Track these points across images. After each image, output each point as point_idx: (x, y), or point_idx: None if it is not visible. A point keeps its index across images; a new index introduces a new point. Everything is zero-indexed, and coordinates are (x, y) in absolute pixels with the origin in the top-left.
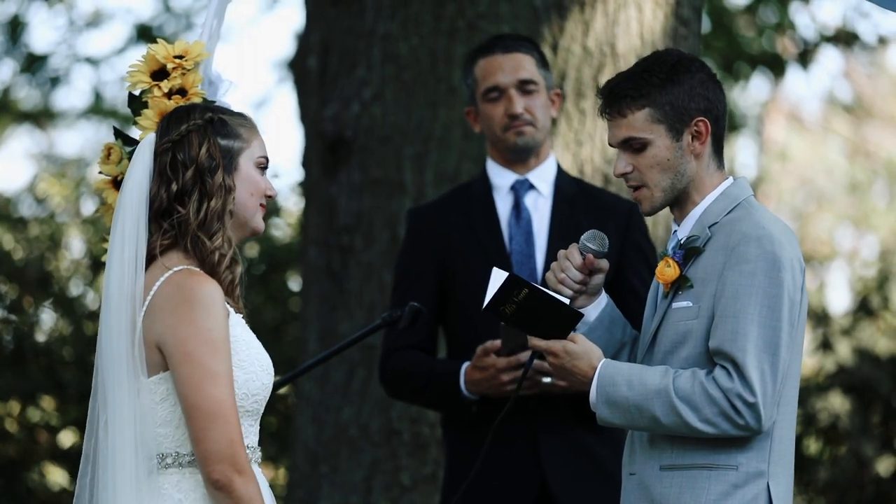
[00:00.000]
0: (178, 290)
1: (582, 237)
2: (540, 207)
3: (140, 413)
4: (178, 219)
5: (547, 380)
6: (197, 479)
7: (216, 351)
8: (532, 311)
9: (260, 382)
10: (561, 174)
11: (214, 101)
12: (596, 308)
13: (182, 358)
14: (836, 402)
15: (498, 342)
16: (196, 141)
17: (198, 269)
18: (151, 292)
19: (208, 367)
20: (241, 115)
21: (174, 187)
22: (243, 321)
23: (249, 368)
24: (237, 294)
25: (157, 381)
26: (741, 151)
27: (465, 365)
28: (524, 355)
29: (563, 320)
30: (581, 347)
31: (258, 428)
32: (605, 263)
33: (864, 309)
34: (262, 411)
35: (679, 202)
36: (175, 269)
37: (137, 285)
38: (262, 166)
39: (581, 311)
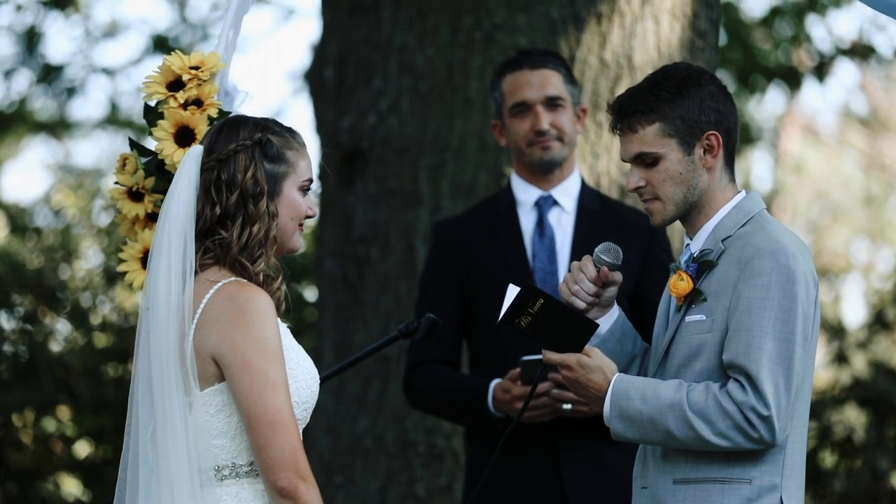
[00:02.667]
0: (232, 301)
1: (596, 249)
2: (563, 224)
3: (193, 426)
4: (221, 241)
5: (567, 406)
6: (255, 489)
7: (274, 360)
8: (547, 323)
9: (309, 391)
10: (585, 189)
11: (230, 112)
12: (608, 320)
13: (242, 367)
14: (852, 416)
15: (518, 370)
16: (243, 164)
17: (247, 281)
18: (202, 305)
19: (268, 375)
20: (290, 133)
21: (217, 209)
22: (289, 332)
23: (300, 377)
24: (282, 309)
25: (211, 393)
26: (757, 164)
27: (495, 382)
28: (542, 387)
29: (579, 332)
30: (595, 361)
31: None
32: (618, 276)
33: (879, 322)
34: (308, 419)
35: (691, 215)
36: (224, 280)
37: (186, 298)
38: (306, 188)
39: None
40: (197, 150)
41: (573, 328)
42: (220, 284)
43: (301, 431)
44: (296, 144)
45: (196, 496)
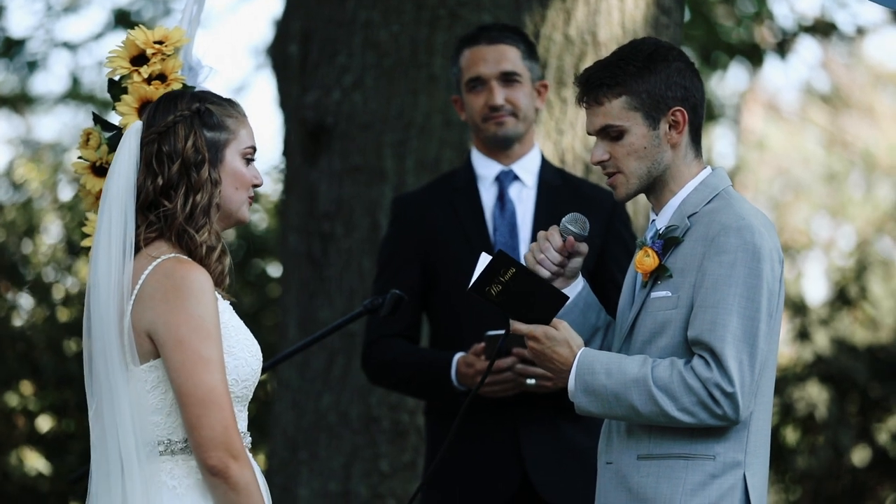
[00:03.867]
0: (168, 278)
1: (563, 219)
2: (524, 199)
3: (132, 401)
4: (165, 212)
5: (531, 381)
6: (189, 466)
7: (208, 337)
8: (517, 293)
9: (250, 368)
10: (545, 165)
11: (194, 87)
12: (572, 291)
13: (174, 345)
14: (814, 392)
15: (483, 345)
16: (182, 133)
17: (186, 258)
18: (140, 281)
19: (201, 353)
20: (229, 103)
21: (160, 181)
22: (231, 308)
23: (239, 354)
24: (226, 284)
25: (147, 369)
26: (719, 141)
27: (458, 356)
28: (505, 362)
29: (548, 303)
30: (562, 334)
31: (247, 413)
32: (584, 247)
33: (841, 299)
34: (250, 396)
35: (656, 191)
36: (163, 257)
37: (126, 274)
38: (249, 157)
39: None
40: (136, 125)
41: (543, 299)
42: (158, 261)
43: (246, 409)
44: (235, 112)
45: (143, 469)
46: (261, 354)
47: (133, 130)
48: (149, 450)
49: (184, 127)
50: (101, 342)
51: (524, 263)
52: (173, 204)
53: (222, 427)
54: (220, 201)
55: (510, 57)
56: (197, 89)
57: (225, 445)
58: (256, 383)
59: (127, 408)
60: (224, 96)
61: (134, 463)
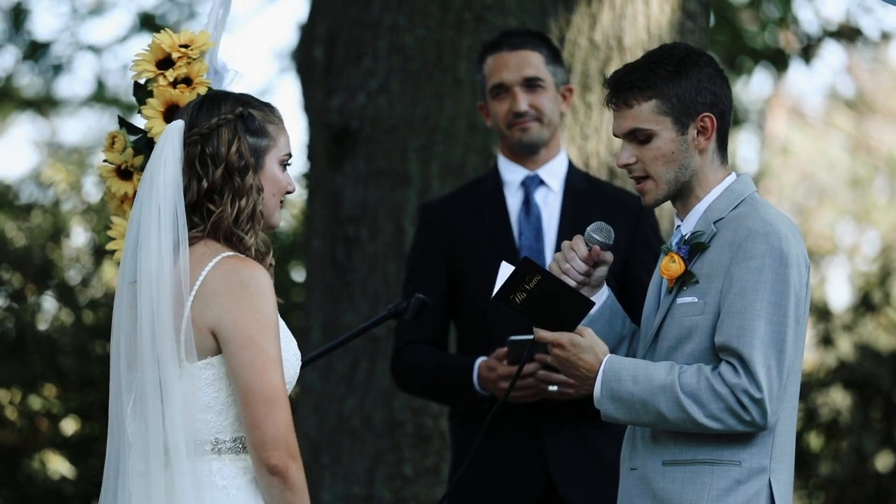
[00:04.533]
0: (234, 274)
1: (588, 228)
2: (550, 203)
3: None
4: (212, 215)
5: (553, 388)
6: (237, 467)
7: (274, 336)
8: (542, 300)
9: (294, 370)
10: (572, 169)
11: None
12: (598, 300)
13: (244, 343)
14: (837, 398)
15: (506, 349)
16: (226, 137)
17: (244, 256)
18: (201, 277)
19: (269, 352)
20: (269, 109)
21: (204, 184)
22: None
23: (286, 356)
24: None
25: (204, 366)
26: (743, 146)
27: (480, 360)
28: (528, 368)
29: (574, 310)
30: (588, 341)
31: None
32: (609, 256)
33: (865, 304)
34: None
35: (682, 196)
36: (224, 254)
37: (182, 270)
38: (286, 163)
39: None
40: (178, 124)
41: (568, 306)
42: (219, 257)
43: None
44: (275, 119)
45: (189, 466)
46: (300, 356)
47: (175, 129)
48: (196, 448)
49: (227, 131)
50: (150, 338)
51: (550, 272)
52: (220, 208)
53: (285, 426)
54: (262, 208)
55: (533, 62)
56: (234, 92)
57: (286, 445)
58: (293, 385)
59: (180, 404)
60: (264, 100)
61: (183, 460)
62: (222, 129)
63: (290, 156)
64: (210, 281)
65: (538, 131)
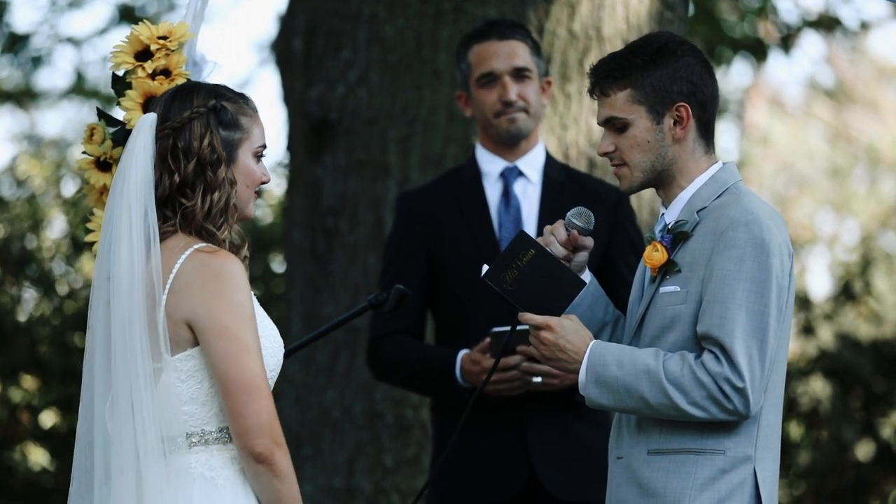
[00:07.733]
0: (206, 266)
1: (568, 213)
2: (529, 195)
3: (163, 392)
4: (183, 209)
5: (537, 380)
6: (224, 457)
7: (249, 325)
8: (533, 279)
9: (276, 358)
10: (549, 161)
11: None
12: None
13: (219, 332)
14: (818, 387)
15: (489, 341)
16: (198, 131)
17: (216, 247)
18: (173, 271)
19: (245, 340)
20: (243, 99)
21: (176, 178)
22: (255, 298)
23: (267, 344)
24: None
25: (182, 359)
26: (722, 136)
27: (463, 353)
28: (511, 360)
29: (564, 290)
30: (575, 325)
31: None
32: (589, 241)
33: (845, 294)
34: (272, 387)
35: (664, 185)
36: (195, 246)
37: (154, 265)
38: (260, 155)
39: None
40: (150, 117)
41: (559, 286)
42: (190, 250)
43: None
44: (249, 110)
45: (161, 465)
46: (283, 345)
47: (147, 123)
48: (178, 443)
49: (200, 124)
50: (122, 334)
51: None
52: (192, 202)
53: (267, 413)
54: (236, 201)
55: (521, 53)
56: (208, 84)
57: (270, 432)
58: (278, 374)
59: (149, 401)
60: (238, 91)
61: (153, 458)
62: (194, 123)
63: (264, 147)
64: (182, 274)
65: (525, 122)
